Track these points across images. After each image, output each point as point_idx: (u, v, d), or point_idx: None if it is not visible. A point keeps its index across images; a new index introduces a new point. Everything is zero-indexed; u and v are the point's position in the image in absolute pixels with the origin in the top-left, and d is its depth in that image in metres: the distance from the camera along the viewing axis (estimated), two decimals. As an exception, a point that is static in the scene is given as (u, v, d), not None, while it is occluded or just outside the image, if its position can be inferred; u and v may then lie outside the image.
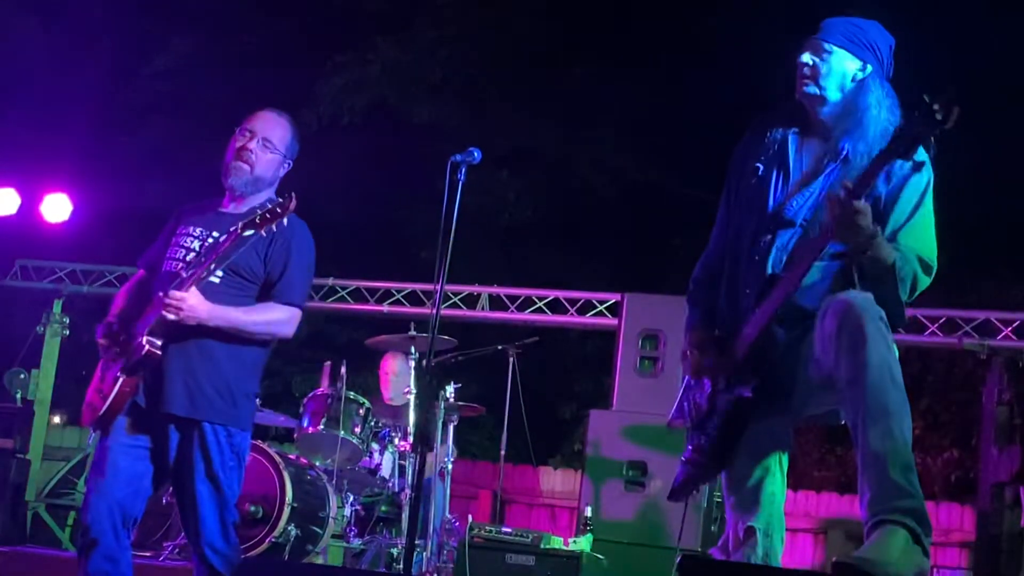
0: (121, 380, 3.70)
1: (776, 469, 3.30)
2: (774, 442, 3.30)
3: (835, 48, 3.23)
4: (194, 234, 3.88)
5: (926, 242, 3.13)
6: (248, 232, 3.64)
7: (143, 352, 3.67)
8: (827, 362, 2.97)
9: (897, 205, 3.13)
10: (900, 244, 3.09)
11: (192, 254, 3.81)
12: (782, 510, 3.30)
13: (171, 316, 3.63)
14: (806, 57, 3.25)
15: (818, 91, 3.23)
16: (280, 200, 3.70)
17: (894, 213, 3.12)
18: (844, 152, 3.18)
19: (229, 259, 3.70)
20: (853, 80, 3.22)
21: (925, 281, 3.12)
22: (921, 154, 3.07)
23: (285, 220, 3.65)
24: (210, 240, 3.81)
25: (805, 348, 3.08)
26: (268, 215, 3.63)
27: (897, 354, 2.95)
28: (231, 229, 3.67)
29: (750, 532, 3.24)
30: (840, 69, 3.23)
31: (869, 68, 3.23)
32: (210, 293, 3.71)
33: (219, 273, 3.74)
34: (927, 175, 3.15)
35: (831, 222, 2.99)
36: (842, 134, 3.20)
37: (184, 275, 3.69)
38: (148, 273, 3.99)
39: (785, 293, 3.09)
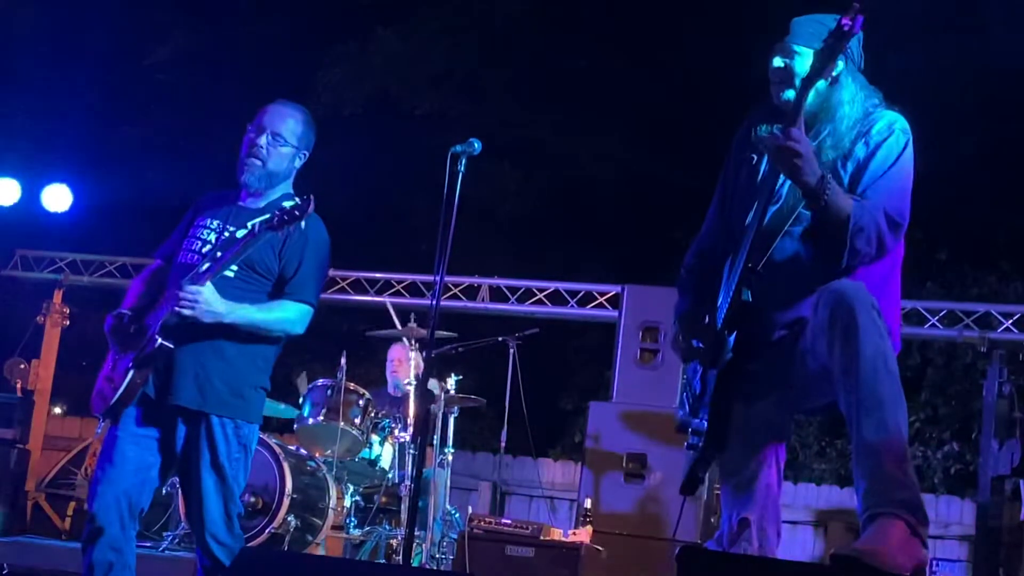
0: (132, 372, 3.70)
1: (772, 461, 3.29)
2: (772, 433, 3.30)
3: (804, 49, 3.20)
4: (211, 226, 3.88)
5: (894, 196, 3.11)
6: (266, 233, 3.65)
7: (155, 346, 3.68)
8: (822, 353, 2.98)
9: (871, 164, 3.14)
10: (867, 197, 3.09)
11: (208, 246, 3.81)
12: (778, 502, 3.29)
13: (185, 311, 3.64)
14: (777, 61, 3.24)
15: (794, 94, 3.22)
16: (299, 203, 3.69)
17: (868, 170, 3.14)
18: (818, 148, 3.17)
19: (244, 254, 3.71)
20: (826, 78, 3.19)
21: (891, 237, 3.07)
22: (901, 122, 3.14)
23: (303, 223, 3.66)
24: (226, 234, 3.81)
25: (802, 340, 3.08)
26: (287, 218, 3.63)
27: (890, 343, 2.94)
28: (249, 226, 3.69)
29: (744, 524, 3.23)
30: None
31: (840, 65, 3.19)
32: (223, 287, 3.71)
33: (233, 267, 3.75)
34: (904, 139, 3.16)
35: (771, 151, 3.06)
36: (816, 135, 3.18)
37: (199, 269, 3.69)
38: (165, 263, 3.99)
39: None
